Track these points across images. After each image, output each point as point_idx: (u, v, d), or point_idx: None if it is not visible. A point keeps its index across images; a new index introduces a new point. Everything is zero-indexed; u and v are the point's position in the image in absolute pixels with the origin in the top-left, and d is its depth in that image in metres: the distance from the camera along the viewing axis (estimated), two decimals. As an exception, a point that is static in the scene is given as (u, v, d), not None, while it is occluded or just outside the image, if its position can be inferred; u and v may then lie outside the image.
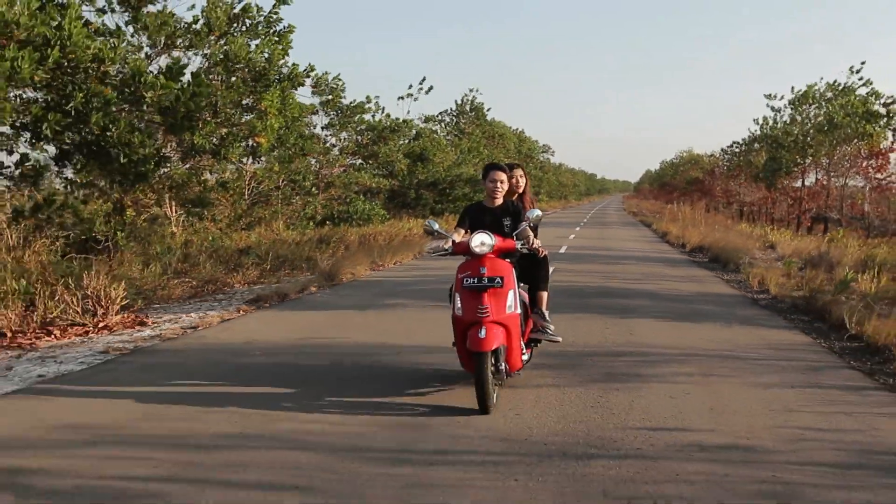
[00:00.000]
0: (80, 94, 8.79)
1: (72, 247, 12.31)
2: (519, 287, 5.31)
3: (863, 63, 31.17)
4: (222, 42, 13.59)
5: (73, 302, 8.07)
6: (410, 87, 33.81)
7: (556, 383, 5.58)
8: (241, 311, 8.89)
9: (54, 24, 8.60)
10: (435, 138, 32.18)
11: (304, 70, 15.43)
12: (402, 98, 31.31)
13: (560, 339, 5.86)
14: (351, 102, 23.42)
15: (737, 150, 44.79)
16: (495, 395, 4.89)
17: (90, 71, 8.93)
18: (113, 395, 5.28)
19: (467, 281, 4.93)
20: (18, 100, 9.02)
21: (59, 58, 8.49)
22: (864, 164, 29.85)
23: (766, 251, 18.51)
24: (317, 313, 8.82)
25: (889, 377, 5.87)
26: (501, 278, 4.92)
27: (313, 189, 21.23)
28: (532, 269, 5.70)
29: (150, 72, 9.74)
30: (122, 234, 12.28)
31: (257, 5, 13.81)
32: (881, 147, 29.24)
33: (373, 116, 25.12)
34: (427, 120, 36.22)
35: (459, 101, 41.63)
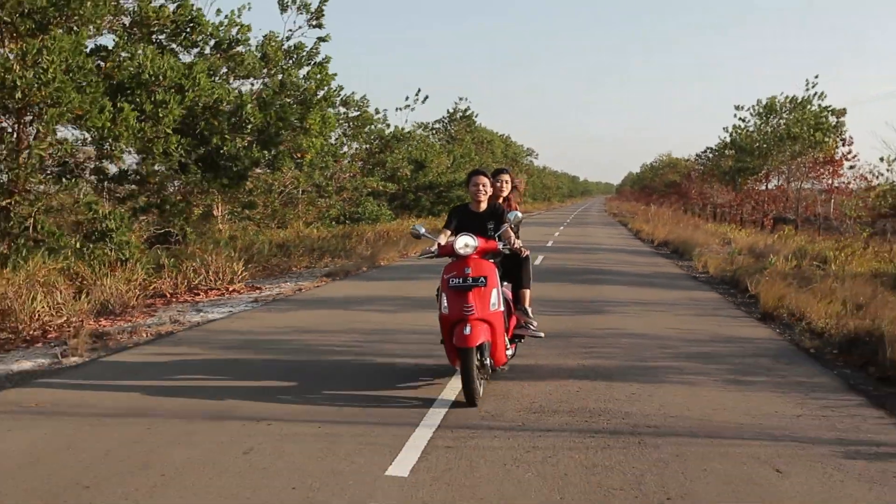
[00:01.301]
0: (204, 123, 12.42)
1: (155, 238, 15.84)
2: (503, 285, 5.74)
3: (816, 77, 35.30)
4: (276, 72, 17.29)
5: (208, 273, 11.68)
6: (407, 98, 37.36)
7: (554, 313, 9.28)
8: (323, 282, 12.55)
9: (188, 74, 12.20)
10: (431, 145, 35.86)
11: (335, 90, 19.24)
12: (400, 109, 34.93)
13: (543, 334, 6.27)
14: (362, 113, 27.05)
15: (710, 155, 48.90)
16: (481, 388, 5.36)
17: (210, 107, 12.55)
18: (288, 314, 8.89)
19: (453, 281, 5.29)
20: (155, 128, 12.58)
21: (192, 98, 12.11)
22: (820, 169, 33.93)
23: (724, 246, 22.32)
24: (376, 283, 12.48)
25: (756, 311, 9.67)
26: (485, 278, 5.28)
27: (333, 192, 24.77)
28: (515, 269, 6.11)
29: (250, 105, 13.38)
30: (190, 230, 15.82)
31: (304, 43, 17.53)
32: (834, 155, 33.30)
33: (378, 126, 28.80)
34: (422, 127, 39.90)
35: (451, 110, 45.41)
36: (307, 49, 17.76)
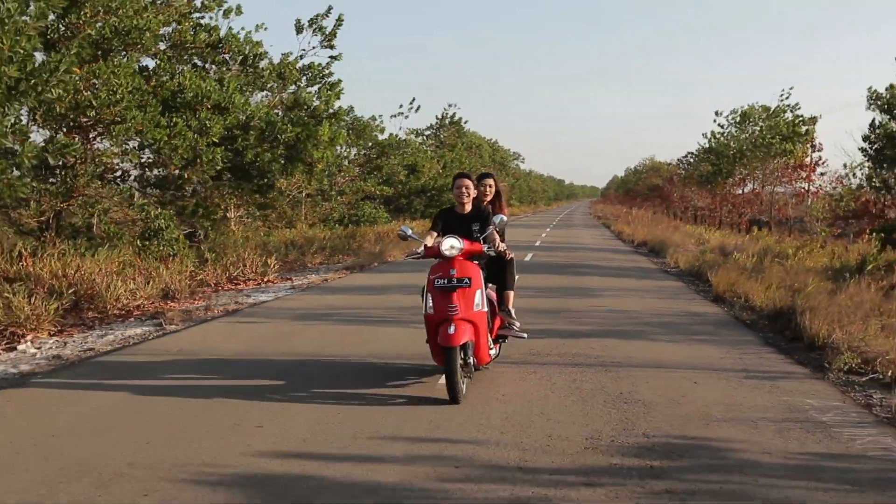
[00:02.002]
0: (240, 138, 14.43)
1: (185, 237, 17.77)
2: (488, 287, 5.99)
3: (791, 88, 37.66)
4: (291, 88, 19.31)
5: (247, 266, 13.67)
6: (401, 106, 39.41)
7: (543, 297, 11.35)
8: (343, 274, 14.58)
9: (226, 95, 14.19)
10: (424, 151, 37.94)
11: (345, 109, 21.34)
12: (395, 116, 37.00)
13: (526, 335, 6.57)
14: (360, 119, 29.11)
15: (691, 160, 51.28)
16: (464, 386, 5.55)
17: (245, 123, 14.56)
18: (325, 296, 10.91)
19: (438, 281, 5.53)
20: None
21: (232, 117, 14.12)
22: (792, 174, 36.29)
23: (699, 245, 24.52)
24: (388, 274, 14.52)
25: (710, 295, 11.81)
26: (469, 279, 5.51)
27: (336, 196, 26.76)
28: (500, 271, 6.35)
29: (283, 122, 15.41)
30: (211, 230, 17.77)
31: (317, 63, 19.55)
32: (805, 161, 35.67)
33: (374, 133, 30.82)
34: (413, 133, 41.95)
35: (440, 116, 47.49)
36: (320, 67, 19.75)
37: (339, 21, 19.49)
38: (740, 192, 40.84)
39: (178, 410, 5.24)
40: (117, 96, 11.89)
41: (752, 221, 39.71)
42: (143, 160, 13.36)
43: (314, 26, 19.33)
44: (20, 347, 7.84)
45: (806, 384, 6.23)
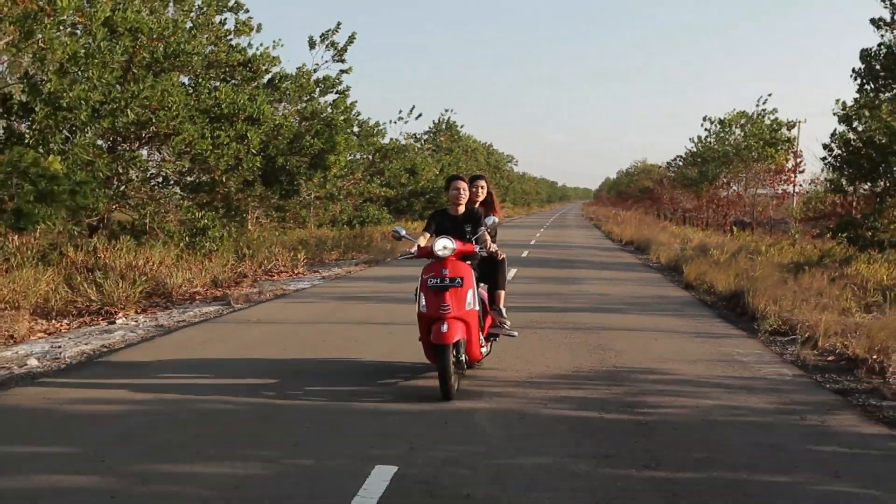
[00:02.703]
0: (273, 148, 16.51)
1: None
2: (479, 287, 6.19)
3: (769, 95, 39.97)
4: (307, 99, 21.39)
5: (278, 260, 15.73)
6: (401, 112, 41.50)
7: (539, 283, 13.46)
8: (364, 267, 16.66)
9: (258, 108, 16.26)
10: (423, 154, 40.06)
11: (355, 116, 23.41)
12: (395, 122, 39.11)
13: (516, 333, 6.78)
14: (372, 133, 31.20)
15: (679, 163, 53.55)
16: (456, 383, 5.75)
17: (273, 133, 16.65)
18: (355, 283, 12.99)
19: (431, 281, 5.71)
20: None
21: (264, 128, 16.21)
22: (774, 178, 38.57)
23: (682, 244, 26.72)
24: (403, 268, 16.59)
25: (681, 283, 13.96)
26: (461, 278, 5.68)
27: (343, 198, 28.84)
28: (491, 271, 6.55)
29: (308, 134, 17.51)
30: (235, 230, 19.79)
31: (331, 76, 21.63)
32: (785, 166, 37.95)
33: (378, 139, 32.91)
34: (412, 137, 44.06)
35: (437, 121, 49.64)
36: (332, 79, 21.85)
37: (351, 38, 21.60)
38: (725, 194, 43.14)
39: (295, 338, 7.33)
40: (173, 112, 13.94)
41: (735, 223, 42.04)
42: (185, 167, 15.39)
43: (326, 42, 21.41)
44: (118, 321, 9.88)
45: (739, 341, 8.38)
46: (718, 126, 40.72)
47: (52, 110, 11.17)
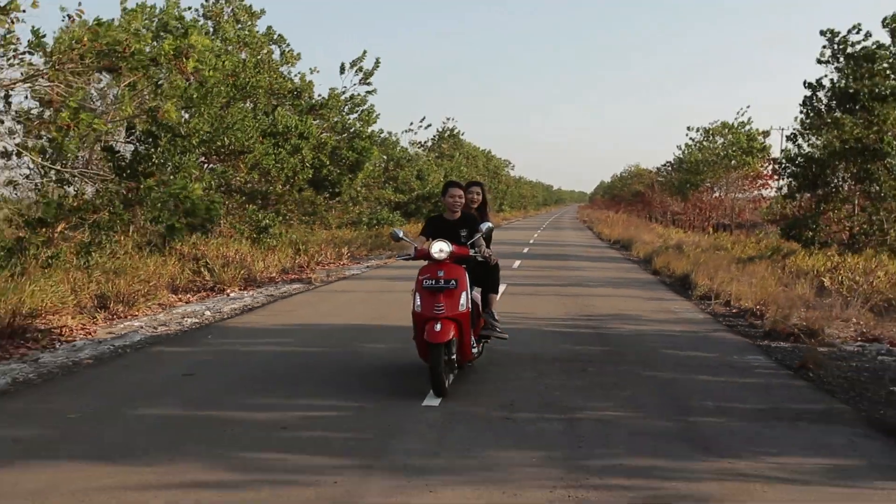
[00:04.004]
0: (318, 161, 20.51)
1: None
2: (473, 290, 6.55)
3: (748, 106, 44.16)
4: (338, 116, 25.38)
5: (325, 253, 19.68)
6: (411, 123, 45.56)
7: (540, 269, 17.45)
8: (395, 259, 20.62)
9: (306, 127, 20.25)
10: (429, 161, 44.13)
11: (377, 132, 27.42)
12: (405, 132, 43.15)
13: (507, 336, 7.20)
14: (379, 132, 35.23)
15: (668, 169, 57.72)
16: (448, 381, 6.17)
17: (318, 147, 20.66)
18: (397, 270, 16.95)
19: (426, 282, 6.12)
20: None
21: (312, 144, 20.21)
22: (752, 183, 42.74)
23: (663, 242, 30.78)
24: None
25: (650, 270, 18.01)
26: (456, 280, 6.09)
27: (363, 201, 32.85)
28: (485, 275, 6.93)
29: (346, 148, 21.53)
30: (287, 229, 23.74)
31: (359, 94, 25.61)
32: (762, 172, 42.11)
33: (392, 150, 36.97)
34: (417, 145, 48.11)
35: (440, 129, 53.72)
36: (360, 98, 25.84)
37: (377, 64, 25.55)
38: (707, 199, 47.31)
39: (367, 304, 11.29)
40: (248, 134, 17.89)
41: (717, 225, 46.18)
42: (255, 179, 19.34)
43: (356, 68, 25.38)
44: (230, 296, 13.80)
45: (677, 302, 12.43)
46: (702, 135, 44.84)
47: (172, 137, 15.09)
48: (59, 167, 12.75)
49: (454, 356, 6.17)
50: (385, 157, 37.54)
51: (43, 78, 11.33)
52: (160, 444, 4.89)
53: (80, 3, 12.83)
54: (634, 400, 6.15)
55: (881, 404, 6.12)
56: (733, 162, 41.11)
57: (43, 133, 12.45)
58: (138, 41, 11.21)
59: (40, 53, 11.27)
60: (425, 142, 52.07)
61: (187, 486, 4.16)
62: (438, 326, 5.93)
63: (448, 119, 54.76)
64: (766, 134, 42.34)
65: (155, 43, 12.79)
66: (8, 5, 9.94)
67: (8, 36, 10.50)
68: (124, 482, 4.21)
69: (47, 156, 12.91)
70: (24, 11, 10.28)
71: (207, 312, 11.10)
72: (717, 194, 46.43)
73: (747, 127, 42.24)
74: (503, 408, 5.83)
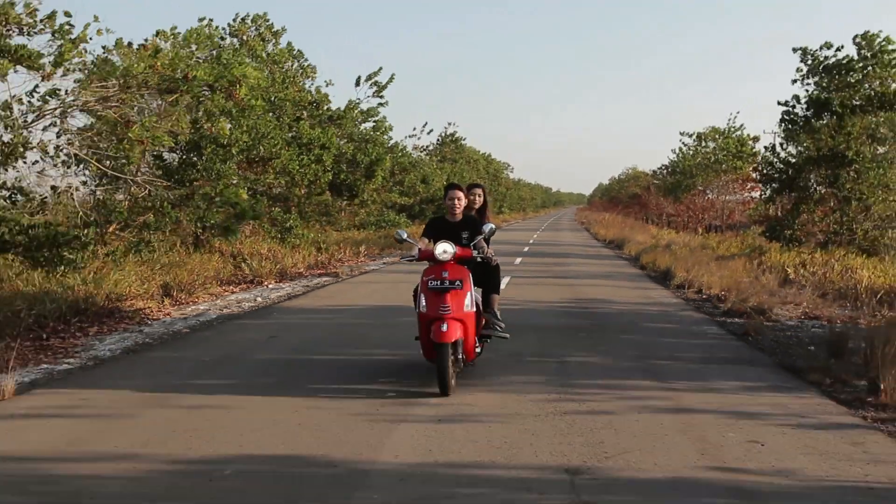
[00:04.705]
0: (339, 166, 22.73)
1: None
2: (474, 290, 6.70)
3: (738, 112, 46.34)
4: (352, 126, 27.61)
5: (343, 252, 21.86)
6: (415, 128, 47.84)
7: (539, 265, 19.64)
8: (406, 257, 22.85)
9: (327, 137, 22.44)
10: (432, 166, 46.33)
11: (388, 140, 29.68)
12: (409, 137, 45.37)
13: (508, 335, 7.36)
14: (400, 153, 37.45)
15: (664, 171, 59.95)
16: (453, 380, 6.31)
17: (339, 156, 22.87)
18: (410, 266, 19.11)
19: (432, 283, 6.29)
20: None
21: (333, 152, 22.43)
22: (742, 186, 44.97)
23: (654, 241, 32.98)
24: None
25: (637, 265, 20.24)
26: (461, 281, 6.25)
27: (371, 204, 35.02)
28: (486, 276, 7.14)
29: (361, 155, 23.75)
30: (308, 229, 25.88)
31: (373, 108, 27.84)
32: (750, 175, 44.35)
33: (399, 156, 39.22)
34: (419, 150, 50.32)
35: (442, 135, 55.97)
36: (373, 110, 28.06)
37: (391, 79, 27.81)
38: (700, 201, 49.54)
39: (390, 291, 13.46)
40: (275, 142, 20.07)
41: (709, 226, 48.40)
42: (282, 184, 21.53)
43: (370, 82, 27.60)
44: (270, 286, 15.96)
45: (656, 290, 14.63)
46: (695, 140, 47.08)
47: (216, 147, 17.25)
48: (118, 174, 14.87)
49: (461, 356, 6.45)
50: (394, 162, 39.81)
51: (115, 100, 13.50)
52: (278, 375, 7.09)
53: (146, 39, 14.91)
54: (610, 351, 8.35)
55: (795, 357, 8.30)
56: (724, 166, 43.34)
57: (103, 144, 14.55)
58: (198, 71, 13.38)
59: (113, 79, 13.44)
60: (427, 146, 54.38)
61: (307, 396, 6.35)
62: (445, 326, 6.12)
63: (449, 124, 57.10)
64: (755, 139, 44.61)
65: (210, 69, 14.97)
66: (77, 38, 11.95)
67: (75, 62, 12.56)
68: (255, 399, 6.41)
69: (109, 164, 15.07)
70: (90, 40, 12.37)
71: (259, 299, 13.27)
72: (709, 196, 48.67)
73: (737, 132, 44.49)
74: (513, 355, 8.01)
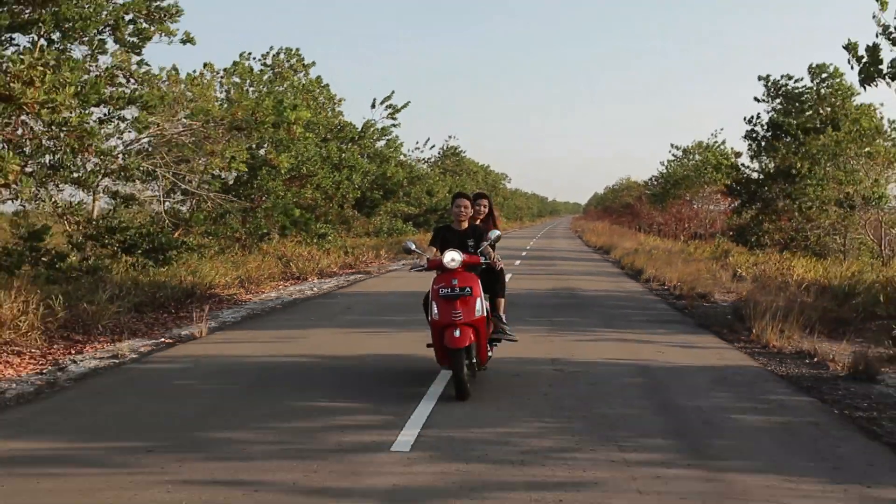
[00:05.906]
0: (365, 184, 26.68)
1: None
2: None
3: (721, 129, 50.38)
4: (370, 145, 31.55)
5: (367, 255, 25.74)
6: (418, 142, 51.84)
7: (536, 266, 23.53)
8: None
9: (354, 158, 26.37)
10: (435, 178, 50.32)
11: (400, 161, 33.70)
12: (413, 150, 49.30)
13: (517, 339, 7.68)
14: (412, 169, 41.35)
15: (655, 182, 63.95)
16: (469, 383, 6.57)
17: (365, 175, 26.82)
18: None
19: (442, 291, 6.48)
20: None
21: (361, 171, 26.38)
22: (723, 196, 48.98)
23: (638, 247, 36.90)
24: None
25: (618, 266, 24.19)
26: (471, 287, 6.46)
27: (383, 212, 38.97)
28: (492, 281, 7.33)
29: (382, 175, 27.70)
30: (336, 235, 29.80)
31: (386, 127, 31.77)
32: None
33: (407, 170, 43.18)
34: (422, 162, 54.30)
35: (443, 147, 60.02)
36: (387, 130, 31.99)
37: (406, 104, 31.73)
38: (685, 211, 53.57)
39: (415, 283, 17.34)
40: (316, 163, 23.95)
41: (694, 234, 52.40)
42: (319, 198, 25.41)
43: (385, 105, 31.52)
44: (315, 281, 19.80)
45: (630, 283, 18.58)
46: (682, 153, 51.18)
47: (269, 169, 21.12)
48: (195, 189, 18.64)
49: (475, 360, 6.62)
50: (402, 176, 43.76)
51: (204, 136, 17.35)
52: (364, 326, 11.00)
53: (229, 91, 18.82)
54: (584, 316, 12.31)
55: (711, 320, 12.16)
56: (706, 178, 47.37)
57: (182, 165, 18.33)
58: (267, 116, 17.29)
59: (200, 117, 17.31)
60: (429, 159, 58.41)
61: (397, 330, 10.25)
62: (458, 332, 6.34)
63: (450, 137, 61.20)
64: (738, 154, 48.62)
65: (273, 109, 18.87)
66: (165, 97, 15.81)
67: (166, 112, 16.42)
68: (349, 334, 10.32)
69: (184, 178, 18.87)
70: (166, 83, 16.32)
71: (314, 289, 17.12)
72: (694, 206, 52.66)
73: (719, 147, 48.54)
74: (518, 318, 11.84)
